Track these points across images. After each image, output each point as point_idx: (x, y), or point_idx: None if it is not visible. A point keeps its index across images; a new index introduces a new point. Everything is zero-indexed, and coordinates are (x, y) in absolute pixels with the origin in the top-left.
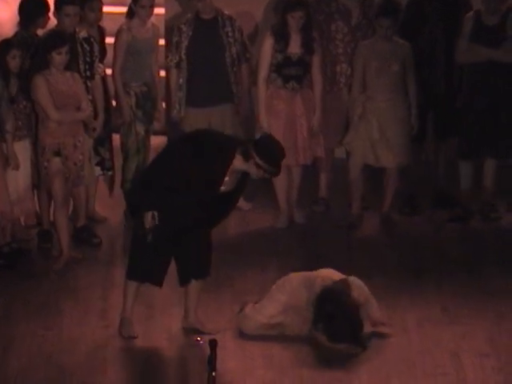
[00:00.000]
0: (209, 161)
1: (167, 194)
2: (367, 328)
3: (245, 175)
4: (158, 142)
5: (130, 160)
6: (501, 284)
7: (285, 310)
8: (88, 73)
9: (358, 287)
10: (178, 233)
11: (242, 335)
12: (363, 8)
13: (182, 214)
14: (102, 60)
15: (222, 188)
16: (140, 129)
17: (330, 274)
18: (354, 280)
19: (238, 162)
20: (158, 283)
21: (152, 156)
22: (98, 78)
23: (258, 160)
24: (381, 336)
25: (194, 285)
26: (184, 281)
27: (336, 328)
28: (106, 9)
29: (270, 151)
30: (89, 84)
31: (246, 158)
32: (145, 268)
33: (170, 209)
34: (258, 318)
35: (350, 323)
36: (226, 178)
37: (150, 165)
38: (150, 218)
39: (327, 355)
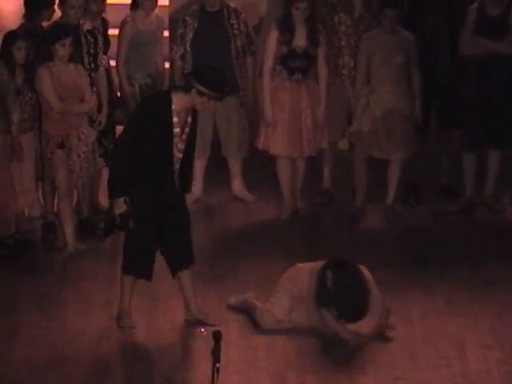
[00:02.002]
0: (148, 109)
1: (133, 161)
2: (367, 327)
3: (194, 115)
4: None
5: None
6: (505, 275)
7: (295, 302)
8: (92, 65)
9: (367, 274)
10: (159, 213)
11: (246, 326)
12: (366, 0)
13: (155, 178)
14: (105, 52)
15: (176, 130)
16: None
17: None
18: (363, 268)
19: (179, 99)
20: (147, 277)
21: None
22: (102, 69)
23: (199, 87)
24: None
25: (183, 276)
26: (172, 273)
27: (344, 299)
28: (109, 0)
29: (209, 76)
30: (93, 76)
31: (187, 89)
32: (135, 264)
33: (142, 177)
34: (276, 313)
35: (357, 292)
36: (175, 120)
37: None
38: (122, 205)
39: (331, 347)
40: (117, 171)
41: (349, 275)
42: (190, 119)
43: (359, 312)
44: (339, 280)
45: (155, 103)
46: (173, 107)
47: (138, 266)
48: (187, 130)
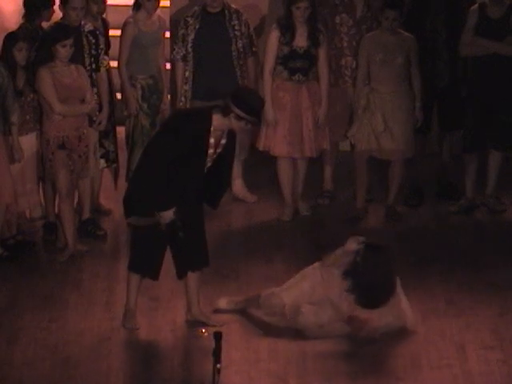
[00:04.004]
0: (188, 127)
1: (162, 178)
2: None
3: (231, 137)
4: None
5: (135, 153)
6: (505, 276)
7: (302, 299)
8: (93, 65)
9: (398, 280)
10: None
11: (248, 327)
12: (367, 0)
13: (183, 192)
14: (105, 53)
15: (210, 151)
16: (145, 121)
17: None
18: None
19: (218, 120)
20: (154, 277)
21: None
22: (103, 70)
23: (237, 111)
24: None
25: (192, 277)
26: (180, 274)
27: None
28: (110, 1)
29: (248, 100)
30: (94, 77)
31: (226, 112)
32: (142, 262)
33: (168, 192)
34: (283, 297)
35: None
36: (211, 141)
37: (139, 160)
38: (171, 215)
39: (332, 348)
40: (156, 184)
41: (379, 256)
42: (224, 141)
43: (373, 296)
44: (368, 256)
45: (196, 123)
46: (211, 129)
47: (145, 265)
48: (219, 150)
